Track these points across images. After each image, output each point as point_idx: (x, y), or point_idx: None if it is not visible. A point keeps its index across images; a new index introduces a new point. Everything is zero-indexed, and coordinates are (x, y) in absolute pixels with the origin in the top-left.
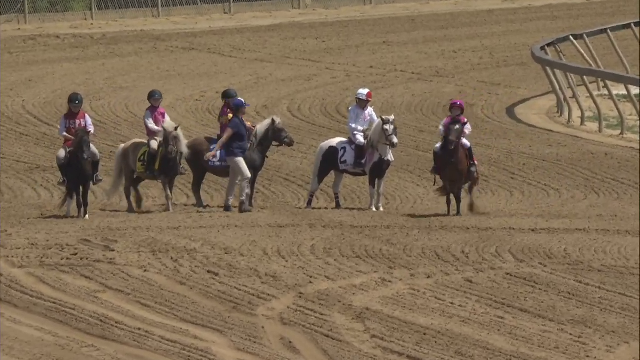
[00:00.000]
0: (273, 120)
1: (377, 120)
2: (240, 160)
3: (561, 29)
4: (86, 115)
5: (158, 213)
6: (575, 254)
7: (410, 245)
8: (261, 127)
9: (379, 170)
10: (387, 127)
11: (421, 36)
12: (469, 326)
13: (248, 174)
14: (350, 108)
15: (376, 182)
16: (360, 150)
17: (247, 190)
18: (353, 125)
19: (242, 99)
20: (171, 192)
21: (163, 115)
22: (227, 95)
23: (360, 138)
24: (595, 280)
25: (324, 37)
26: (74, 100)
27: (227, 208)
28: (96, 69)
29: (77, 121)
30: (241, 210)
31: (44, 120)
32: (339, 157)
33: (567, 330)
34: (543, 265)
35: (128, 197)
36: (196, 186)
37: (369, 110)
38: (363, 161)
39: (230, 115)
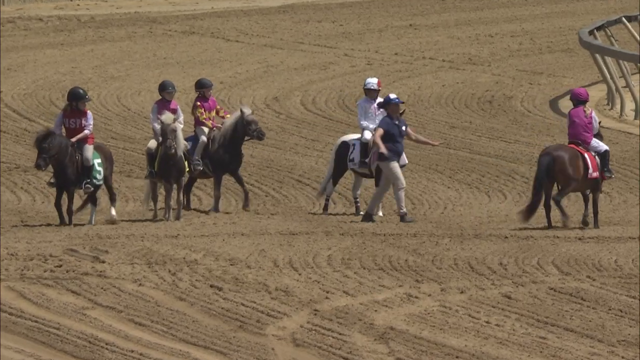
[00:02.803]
0: (242, 112)
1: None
2: (395, 166)
3: (612, 9)
4: (88, 112)
5: (153, 221)
6: (627, 266)
7: (440, 255)
8: (229, 120)
9: None
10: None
11: (453, 18)
12: (507, 348)
13: (403, 182)
14: (358, 102)
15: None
16: (365, 149)
17: (402, 203)
18: (364, 123)
19: (394, 95)
20: (178, 197)
21: (175, 111)
22: (200, 85)
23: (366, 135)
24: None
25: (341, 19)
26: (80, 97)
27: (368, 217)
28: (84, 56)
29: (77, 120)
30: (403, 220)
31: (24, 114)
32: (349, 154)
33: (619, 352)
34: (591, 279)
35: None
36: (187, 186)
37: (379, 101)
38: (367, 160)
39: (201, 110)
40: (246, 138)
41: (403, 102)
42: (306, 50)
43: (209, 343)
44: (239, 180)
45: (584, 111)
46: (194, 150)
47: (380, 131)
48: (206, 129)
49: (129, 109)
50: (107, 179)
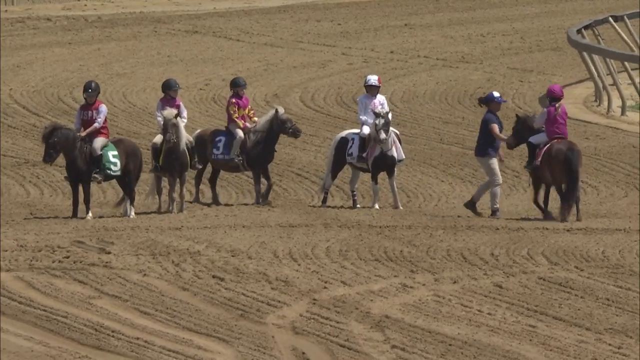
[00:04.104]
0: (276, 111)
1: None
2: (494, 162)
3: (600, 9)
4: (101, 106)
5: (158, 213)
6: (614, 257)
7: (434, 246)
8: (264, 119)
9: (382, 165)
10: (377, 121)
11: (446, 18)
12: (498, 336)
13: (500, 179)
14: (359, 98)
15: (376, 180)
16: (363, 143)
17: (497, 199)
18: (363, 117)
19: (497, 93)
20: (181, 190)
21: (179, 107)
22: (235, 84)
23: (365, 130)
24: (636, 285)
25: (339, 19)
26: (87, 89)
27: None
28: (91, 55)
29: (90, 112)
30: (494, 215)
31: (33, 110)
32: (347, 148)
33: (606, 340)
34: (579, 269)
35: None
36: (198, 179)
37: (380, 98)
38: (364, 155)
39: (234, 108)
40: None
41: (505, 101)
42: (305, 49)
43: (211, 331)
44: (263, 175)
45: (556, 108)
46: (229, 146)
47: (496, 127)
48: (241, 125)
49: (134, 105)
50: (128, 174)
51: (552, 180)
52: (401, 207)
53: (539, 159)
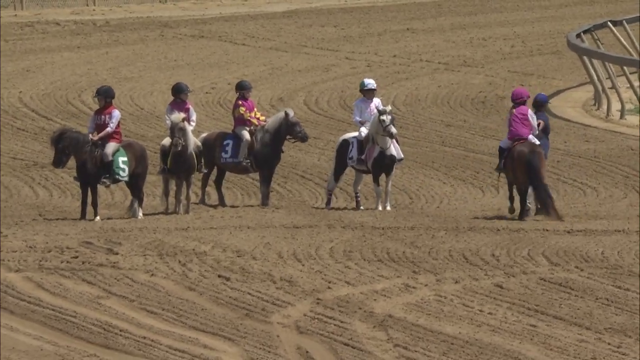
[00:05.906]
0: (286, 114)
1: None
2: None
3: (599, 14)
4: (114, 111)
5: (165, 214)
6: (613, 258)
7: (436, 247)
8: (273, 120)
9: (381, 166)
10: (383, 117)
11: (448, 23)
12: (499, 335)
13: None
14: (354, 102)
15: (377, 182)
16: (361, 146)
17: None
18: (359, 120)
19: (544, 94)
20: (188, 192)
21: (188, 110)
22: (240, 87)
23: (362, 132)
24: (635, 285)
25: (343, 24)
26: (97, 93)
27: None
28: (99, 58)
29: (103, 117)
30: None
31: (42, 113)
32: (348, 152)
33: (605, 339)
34: (579, 270)
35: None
36: (204, 181)
37: (376, 101)
38: (363, 157)
39: (244, 109)
40: (289, 138)
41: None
42: (309, 53)
43: (217, 330)
44: (268, 179)
45: (510, 110)
46: (237, 149)
47: (542, 124)
48: (247, 128)
49: (141, 108)
50: (136, 178)
51: (514, 181)
52: (389, 208)
53: (503, 161)
